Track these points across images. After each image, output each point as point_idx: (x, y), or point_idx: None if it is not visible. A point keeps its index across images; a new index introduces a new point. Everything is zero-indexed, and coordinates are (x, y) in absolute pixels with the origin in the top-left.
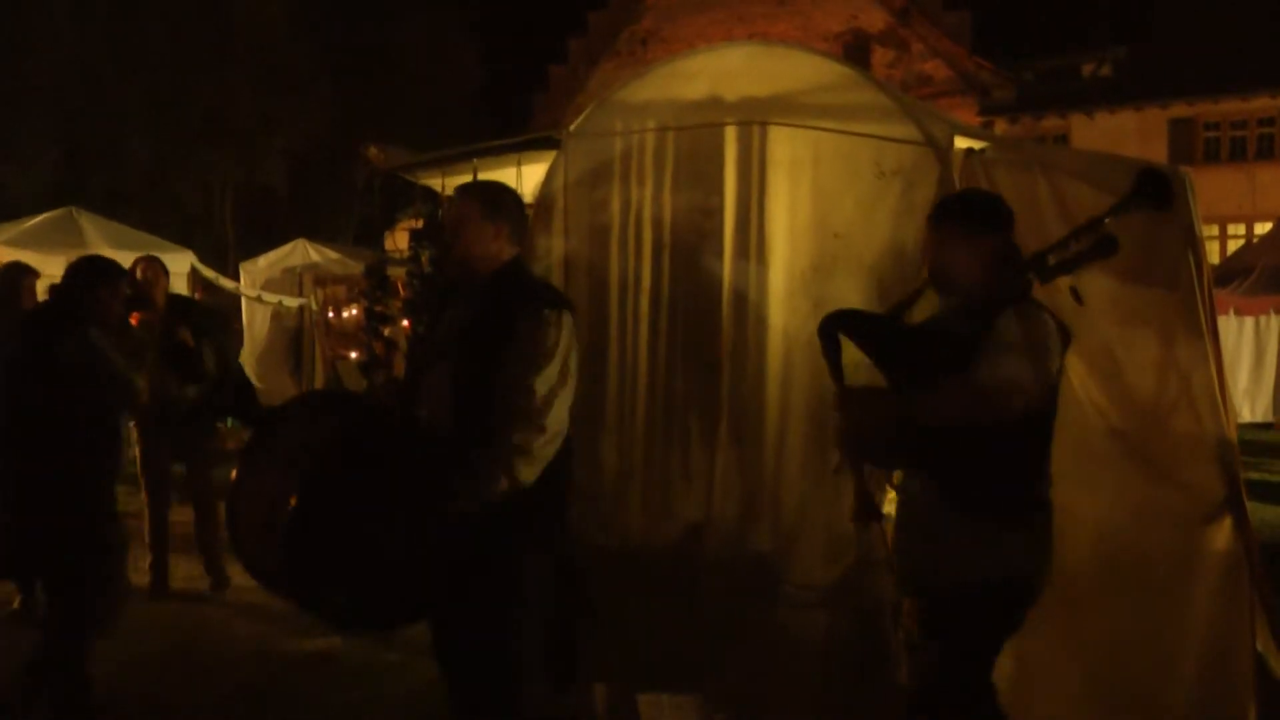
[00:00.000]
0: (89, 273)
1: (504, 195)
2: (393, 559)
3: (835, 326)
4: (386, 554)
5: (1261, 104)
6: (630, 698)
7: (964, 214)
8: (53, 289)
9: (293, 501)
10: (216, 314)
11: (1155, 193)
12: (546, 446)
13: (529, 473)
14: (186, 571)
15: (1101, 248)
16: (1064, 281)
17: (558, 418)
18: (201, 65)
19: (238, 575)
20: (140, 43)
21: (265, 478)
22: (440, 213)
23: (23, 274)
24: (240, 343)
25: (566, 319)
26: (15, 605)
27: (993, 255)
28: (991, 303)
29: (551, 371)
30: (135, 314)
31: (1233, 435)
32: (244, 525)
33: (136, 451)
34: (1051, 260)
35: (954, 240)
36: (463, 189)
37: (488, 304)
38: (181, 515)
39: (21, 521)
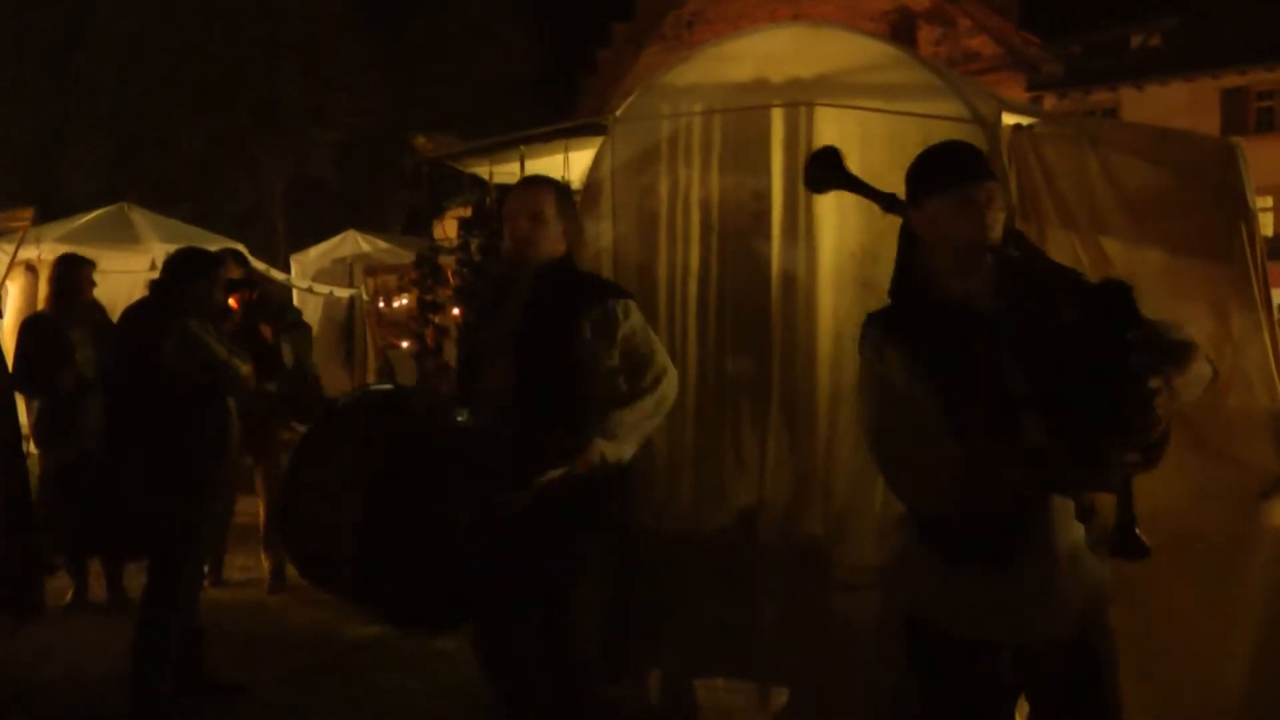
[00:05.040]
0: (187, 265)
1: (568, 192)
2: (459, 554)
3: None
4: (454, 549)
5: None
6: (686, 683)
7: (990, 169)
8: (151, 284)
9: (360, 500)
10: (294, 311)
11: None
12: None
13: (611, 452)
14: (243, 562)
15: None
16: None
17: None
18: (252, 56)
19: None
20: (192, 35)
21: (326, 473)
22: (489, 200)
23: (80, 265)
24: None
25: (633, 306)
26: (69, 597)
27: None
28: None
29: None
30: (234, 296)
31: None
32: (303, 519)
33: None
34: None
35: (1001, 202)
36: (534, 181)
37: (545, 301)
38: (243, 507)
39: (125, 506)
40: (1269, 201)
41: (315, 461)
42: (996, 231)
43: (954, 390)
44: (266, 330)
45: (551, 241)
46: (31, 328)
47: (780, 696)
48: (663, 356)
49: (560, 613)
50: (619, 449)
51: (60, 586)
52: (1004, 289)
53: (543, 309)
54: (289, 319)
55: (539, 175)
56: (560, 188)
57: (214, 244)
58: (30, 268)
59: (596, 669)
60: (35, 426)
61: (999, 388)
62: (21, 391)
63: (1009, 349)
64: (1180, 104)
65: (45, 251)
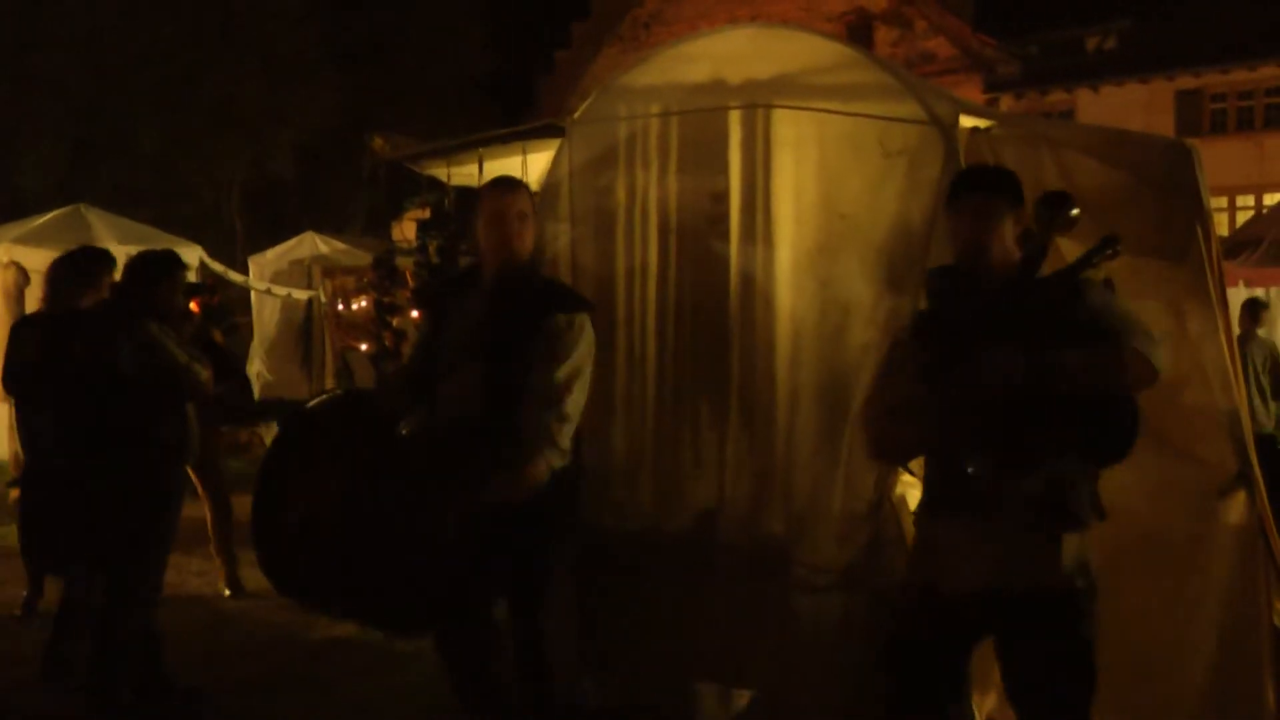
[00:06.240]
0: (148, 268)
1: (532, 195)
2: (429, 559)
3: (942, 281)
4: (428, 549)
5: (1269, 73)
6: (644, 682)
7: (1006, 186)
8: (112, 286)
9: (335, 508)
10: (226, 313)
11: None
12: (568, 435)
13: (558, 460)
14: (199, 567)
15: (1108, 246)
16: (1094, 275)
17: (576, 406)
18: (209, 56)
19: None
20: (148, 35)
21: (298, 484)
22: (447, 202)
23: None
24: (245, 338)
25: (588, 322)
26: (17, 612)
27: (1021, 232)
28: (1058, 279)
29: (570, 367)
30: (195, 300)
31: (1244, 408)
32: (276, 531)
33: None
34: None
35: (996, 212)
36: (512, 183)
37: (510, 303)
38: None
39: (86, 513)
40: (1223, 202)
41: (285, 473)
42: (981, 238)
43: (934, 353)
44: (219, 335)
45: (531, 241)
46: (26, 328)
47: (741, 697)
48: (584, 367)
49: (528, 609)
50: (563, 457)
51: (15, 593)
52: (1004, 283)
53: (512, 313)
54: (231, 322)
55: (510, 177)
56: (529, 189)
57: (171, 245)
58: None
59: (559, 666)
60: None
61: (972, 357)
62: (13, 392)
63: (991, 331)
64: (1135, 105)
65: (1, 253)
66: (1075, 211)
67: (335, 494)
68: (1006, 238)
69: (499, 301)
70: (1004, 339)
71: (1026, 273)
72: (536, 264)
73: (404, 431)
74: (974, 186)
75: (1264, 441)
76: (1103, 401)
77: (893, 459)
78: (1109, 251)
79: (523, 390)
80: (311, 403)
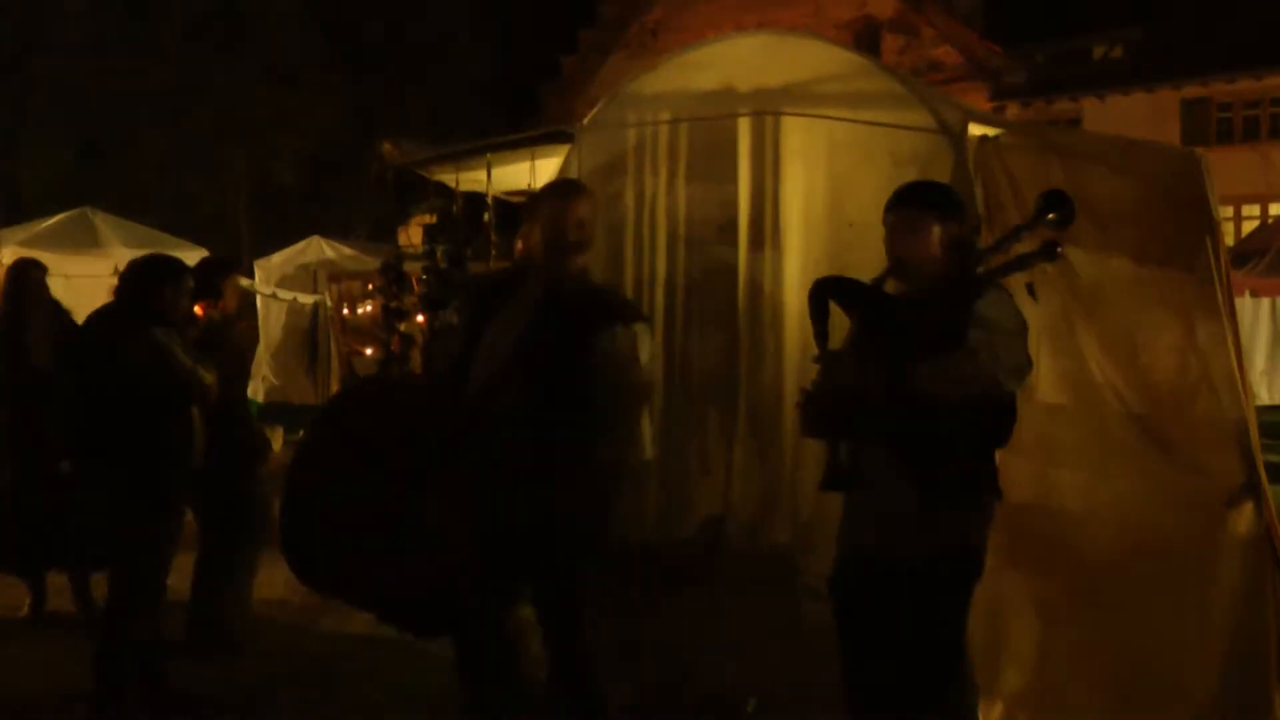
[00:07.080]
0: (153, 272)
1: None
2: (452, 562)
3: (825, 291)
4: (450, 558)
5: (1276, 82)
6: (650, 690)
7: (932, 201)
8: (117, 290)
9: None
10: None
11: (1061, 214)
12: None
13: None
14: None
15: (1046, 252)
16: (1019, 278)
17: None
18: (213, 62)
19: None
20: (152, 40)
21: (333, 481)
22: (455, 208)
23: (29, 269)
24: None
25: (646, 330)
26: (25, 611)
27: (951, 241)
28: (959, 285)
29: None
30: (200, 305)
31: (1252, 418)
32: (311, 528)
33: None
34: (992, 262)
35: (920, 226)
36: (570, 188)
37: (562, 313)
38: None
39: (84, 515)
40: (1229, 211)
41: (317, 465)
42: (900, 250)
43: (857, 349)
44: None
45: (588, 249)
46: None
47: (747, 705)
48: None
49: (569, 603)
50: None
51: (18, 597)
52: (929, 292)
53: (568, 321)
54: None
55: (573, 181)
56: (592, 195)
57: (177, 249)
58: None
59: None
60: None
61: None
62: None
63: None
64: (1141, 114)
65: (6, 255)
66: (1053, 216)
67: (365, 489)
68: (932, 249)
69: (550, 312)
70: (884, 349)
71: (944, 282)
72: (588, 272)
73: (442, 432)
74: (898, 202)
75: None
76: (976, 399)
77: (809, 435)
78: (1046, 256)
79: (574, 403)
80: (344, 395)
